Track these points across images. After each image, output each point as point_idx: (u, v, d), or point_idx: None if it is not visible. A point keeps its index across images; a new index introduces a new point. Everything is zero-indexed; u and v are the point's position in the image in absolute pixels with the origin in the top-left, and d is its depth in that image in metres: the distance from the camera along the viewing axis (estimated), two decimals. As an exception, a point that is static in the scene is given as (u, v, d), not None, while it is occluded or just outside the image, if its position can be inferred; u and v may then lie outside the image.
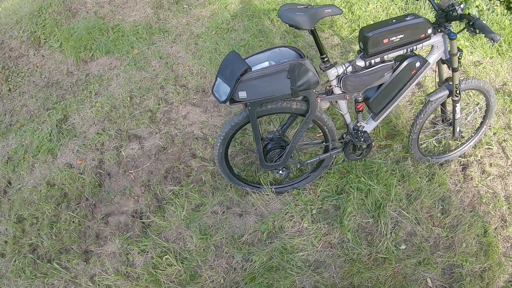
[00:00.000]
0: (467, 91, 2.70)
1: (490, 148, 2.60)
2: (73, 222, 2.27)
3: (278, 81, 1.59)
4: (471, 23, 1.63)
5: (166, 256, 1.99)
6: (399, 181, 2.25)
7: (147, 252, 2.05)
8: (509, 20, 3.23)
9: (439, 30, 1.80)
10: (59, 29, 3.48)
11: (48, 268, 2.07)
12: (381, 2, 3.51)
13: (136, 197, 2.36)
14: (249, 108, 1.67)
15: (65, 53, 3.31)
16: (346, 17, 3.43)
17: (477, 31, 1.61)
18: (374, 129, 2.21)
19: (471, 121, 2.69)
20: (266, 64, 1.64)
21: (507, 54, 3.17)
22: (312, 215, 2.08)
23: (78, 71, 3.22)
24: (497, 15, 3.26)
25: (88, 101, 2.94)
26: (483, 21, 1.61)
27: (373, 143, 2.13)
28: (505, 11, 3.35)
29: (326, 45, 3.18)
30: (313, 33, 1.63)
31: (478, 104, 2.40)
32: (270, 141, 1.93)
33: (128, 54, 3.20)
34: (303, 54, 1.65)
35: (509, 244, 2.15)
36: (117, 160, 2.55)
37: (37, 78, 3.31)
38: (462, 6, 1.70)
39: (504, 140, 2.69)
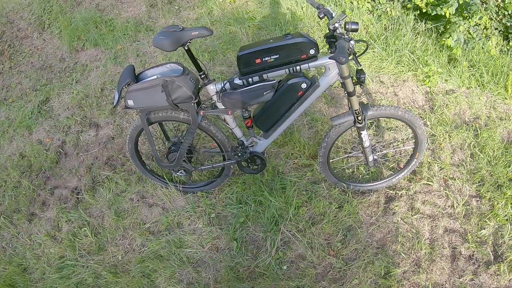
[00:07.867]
0: (388, 119, 2.61)
1: (429, 184, 2.52)
2: (29, 189, 2.83)
3: (155, 94, 1.87)
4: (336, 42, 1.56)
5: (84, 228, 2.45)
6: (305, 202, 2.39)
7: (72, 222, 2.53)
8: (498, 50, 3.10)
9: (330, 51, 1.82)
10: (62, 16, 4.06)
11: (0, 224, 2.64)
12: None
13: (79, 176, 2.86)
14: (139, 114, 2.02)
15: (62, 40, 3.92)
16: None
17: None
18: (268, 147, 2.26)
19: (403, 153, 2.62)
20: (154, 77, 1.92)
21: (487, 86, 3.05)
22: (210, 218, 2.37)
23: (69, 59, 3.81)
24: (482, 44, 3.12)
25: (69, 87, 3.52)
26: (347, 42, 1.55)
27: (264, 160, 2.21)
28: (502, 41, 3.21)
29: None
30: (187, 53, 1.84)
31: (408, 136, 2.42)
32: (173, 144, 2.26)
33: (112, 48, 3.71)
34: (186, 71, 1.90)
35: (417, 293, 2.07)
36: (75, 143, 3.07)
37: (36, 60, 3.95)
38: (339, 25, 1.67)
39: (451, 178, 2.58)
